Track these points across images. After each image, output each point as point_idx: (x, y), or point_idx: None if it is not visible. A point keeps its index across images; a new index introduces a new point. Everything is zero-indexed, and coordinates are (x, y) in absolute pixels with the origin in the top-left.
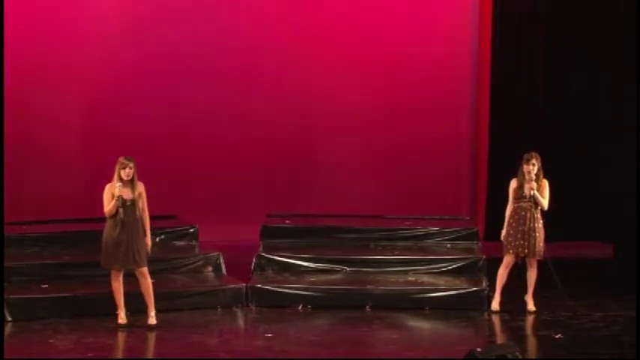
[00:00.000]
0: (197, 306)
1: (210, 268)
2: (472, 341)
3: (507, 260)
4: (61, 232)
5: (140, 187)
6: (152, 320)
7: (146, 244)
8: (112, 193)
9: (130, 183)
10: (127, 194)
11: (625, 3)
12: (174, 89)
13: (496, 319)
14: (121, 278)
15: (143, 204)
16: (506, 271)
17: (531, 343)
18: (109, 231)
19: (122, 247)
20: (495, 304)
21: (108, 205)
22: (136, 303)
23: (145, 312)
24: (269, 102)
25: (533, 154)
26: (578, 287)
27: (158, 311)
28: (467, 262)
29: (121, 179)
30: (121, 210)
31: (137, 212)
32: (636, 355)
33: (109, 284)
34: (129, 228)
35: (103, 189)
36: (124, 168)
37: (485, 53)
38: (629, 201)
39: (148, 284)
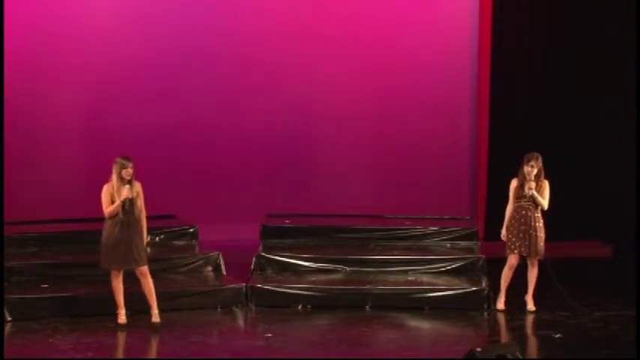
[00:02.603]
0: (197, 306)
1: (209, 268)
2: (472, 341)
3: (512, 261)
4: (61, 231)
5: (138, 186)
6: (156, 318)
7: (142, 243)
8: (111, 194)
9: (129, 183)
10: (127, 194)
11: (625, 2)
12: (174, 89)
13: (496, 319)
14: (120, 278)
15: (141, 203)
16: (511, 271)
17: (531, 343)
18: (108, 231)
19: (121, 247)
20: (500, 304)
21: (108, 206)
22: (136, 303)
23: (146, 312)
24: (269, 102)
25: (534, 154)
26: (578, 287)
27: (158, 311)
28: (466, 261)
29: (121, 179)
30: (120, 210)
31: (136, 212)
32: (636, 355)
33: (109, 284)
34: (128, 228)
35: (102, 189)
36: (125, 168)
37: (486, 53)
38: (628, 201)
39: (149, 283)
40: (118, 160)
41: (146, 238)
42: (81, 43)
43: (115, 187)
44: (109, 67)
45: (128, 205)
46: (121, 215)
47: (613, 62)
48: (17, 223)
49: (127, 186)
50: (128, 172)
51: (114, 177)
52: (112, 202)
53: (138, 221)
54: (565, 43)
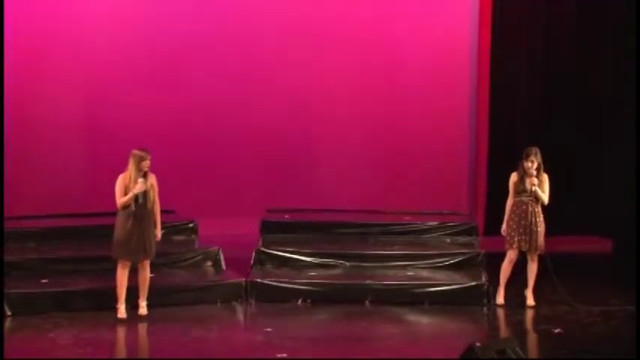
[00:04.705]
0: (196, 301)
1: (209, 263)
2: (471, 336)
3: (511, 255)
4: (61, 226)
5: (152, 178)
6: (143, 310)
7: (156, 236)
8: (125, 186)
9: (144, 175)
10: (141, 187)
11: (625, 2)
12: (174, 84)
13: (496, 314)
14: (127, 271)
15: (155, 196)
16: (511, 265)
17: (531, 338)
18: (121, 224)
19: (133, 239)
20: (500, 298)
21: (121, 197)
22: (136, 297)
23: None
24: (269, 97)
25: (532, 149)
26: (578, 282)
27: (158, 306)
28: (466, 256)
29: (138, 171)
30: (132, 202)
31: (149, 204)
32: (636, 351)
33: (109, 278)
34: (141, 220)
35: (102, 184)
36: (144, 160)
37: (485, 53)
38: (628, 196)
39: (146, 277)
40: (137, 152)
41: (160, 232)
42: (80, 40)
43: (131, 178)
44: (109, 63)
45: (141, 198)
46: (132, 207)
47: (613, 62)
48: (17, 217)
49: (142, 179)
50: (147, 164)
51: (131, 168)
52: (126, 193)
53: (151, 214)
54: (565, 42)
